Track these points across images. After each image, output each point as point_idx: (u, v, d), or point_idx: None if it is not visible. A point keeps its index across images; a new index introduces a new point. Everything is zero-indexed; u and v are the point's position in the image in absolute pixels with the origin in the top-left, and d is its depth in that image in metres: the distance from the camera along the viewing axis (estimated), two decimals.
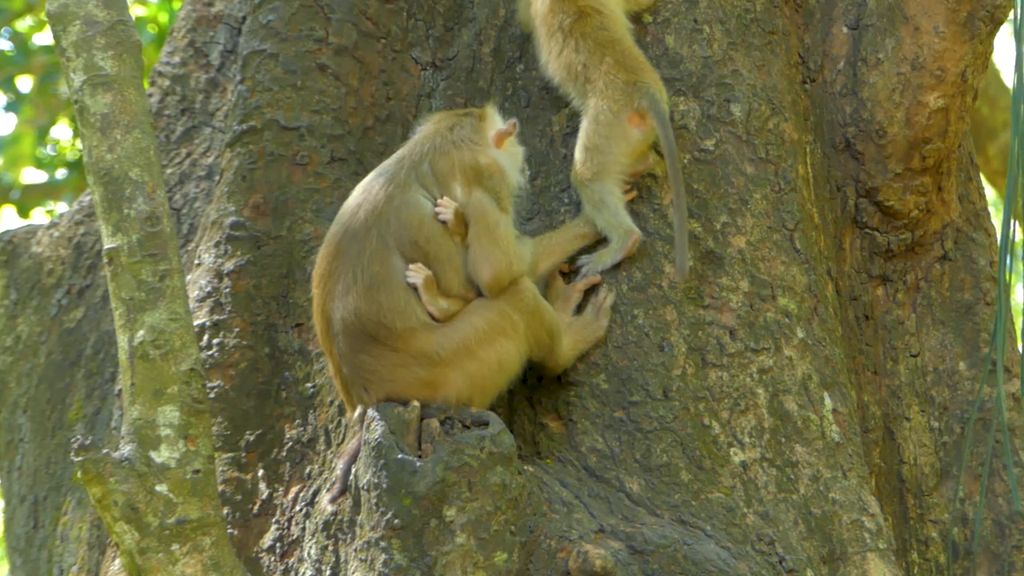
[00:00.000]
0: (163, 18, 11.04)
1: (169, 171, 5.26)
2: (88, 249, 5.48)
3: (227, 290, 4.44)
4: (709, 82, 4.35)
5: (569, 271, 4.24)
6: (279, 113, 4.59)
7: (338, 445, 4.21)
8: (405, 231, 3.95)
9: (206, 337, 4.39)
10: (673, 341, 4.13)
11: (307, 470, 4.27)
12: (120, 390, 4.68)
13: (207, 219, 4.60)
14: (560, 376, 4.15)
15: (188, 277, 4.50)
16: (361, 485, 3.79)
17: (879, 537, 4.06)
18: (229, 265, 4.46)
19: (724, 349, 4.13)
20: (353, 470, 3.86)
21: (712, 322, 4.15)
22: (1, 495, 5.59)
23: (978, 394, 4.55)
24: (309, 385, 4.35)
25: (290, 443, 4.31)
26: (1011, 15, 4.61)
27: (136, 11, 11.12)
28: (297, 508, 4.24)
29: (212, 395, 4.31)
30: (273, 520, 4.26)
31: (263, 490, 4.29)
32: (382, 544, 3.72)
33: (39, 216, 11.54)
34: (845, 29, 4.61)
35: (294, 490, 4.26)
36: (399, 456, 3.73)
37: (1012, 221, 4.63)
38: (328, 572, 4.07)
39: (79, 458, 3.68)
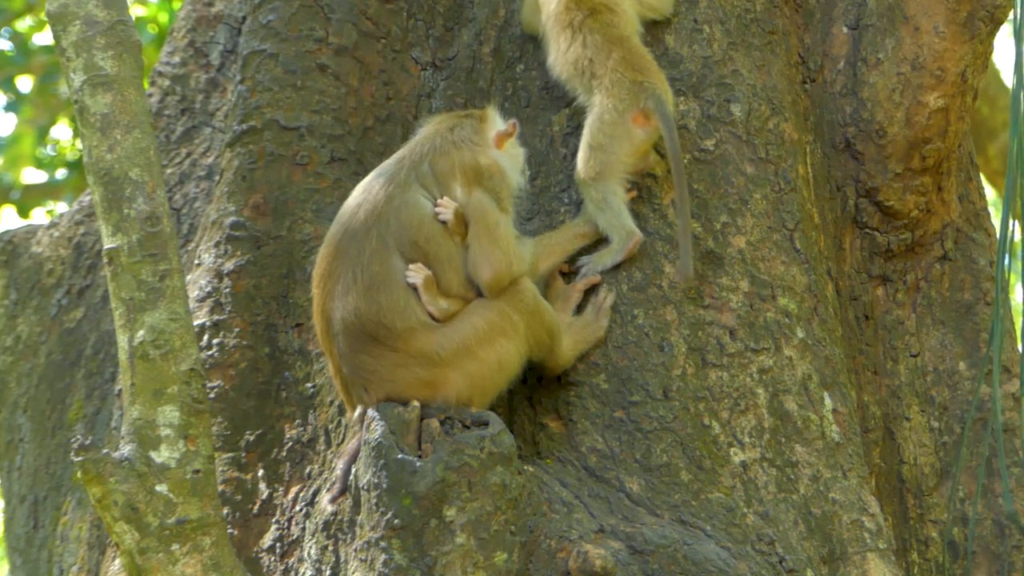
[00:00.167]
0: (163, 18, 11.04)
1: (169, 171, 5.26)
2: (88, 249, 5.48)
3: (227, 290, 4.44)
4: (709, 82, 4.35)
5: (569, 271, 4.24)
6: (279, 113, 4.59)
7: (338, 445, 4.21)
8: (405, 231, 3.95)
9: (206, 337, 4.39)
10: (673, 341, 4.13)
11: (307, 470, 4.27)
12: (120, 390, 4.68)
13: (207, 219, 4.60)
14: (560, 376, 4.15)
15: (188, 277, 4.50)
16: (361, 485, 3.79)
17: (879, 537, 4.06)
18: (229, 265, 4.46)
19: (724, 349, 4.13)
20: (353, 470, 3.86)
21: (712, 322, 4.15)
22: (1, 495, 5.59)
23: (976, 394, 4.55)
24: (309, 385, 4.35)
25: (290, 443, 4.31)
26: (1011, 15, 4.61)
27: (136, 11, 11.12)
28: (297, 508, 4.24)
29: (212, 395, 4.31)
30: (273, 520, 4.26)
31: (263, 490, 4.29)
32: (382, 544, 3.72)
33: (39, 216, 11.54)
34: (845, 29, 4.61)
35: (294, 490, 4.26)
36: (399, 456, 3.73)
37: (1011, 221, 4.63)
38: (328, 572, 4.07)
39: (79, 458, 3.68)
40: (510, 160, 4.17)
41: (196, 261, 4.55)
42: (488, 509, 3.72)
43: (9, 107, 11.43)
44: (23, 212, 11.29)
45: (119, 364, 3.86)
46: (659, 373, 4.10)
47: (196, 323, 4.37)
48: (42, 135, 11.43)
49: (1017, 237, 4.79)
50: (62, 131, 11.75)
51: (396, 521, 3.70)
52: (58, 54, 3.89)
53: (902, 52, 4.49)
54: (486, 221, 3.97)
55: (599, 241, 4.22)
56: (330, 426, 4.26)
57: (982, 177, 5.09)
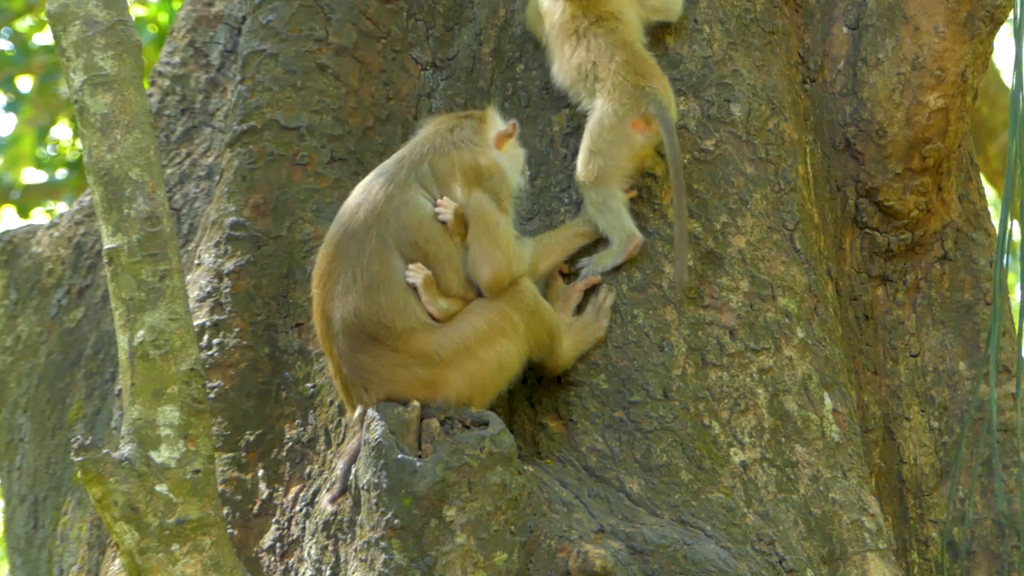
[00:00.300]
0: (163, 18, 11.04)
1: (169, 171, 5.26)
2: (88, 249, 5.48)
3: (227, 290, 4.44)
4: (709, 82, 4.35)
5: (569, 272, 4.24)
6: (279, 113, 4.59)
7: (338, 445, 4.21)
8: (405, 231, 3.95)
9: (206, 337, 4.39)
10: (673, 341, 4.13)
11: (307, 470, 4.27)
12: (120, 390, 4.68)
13: (207, 219, 4.60)
14: (560, 376, 4.15)
15: (188, 277, 4.50)
16: (361, 485, 3.79)
17: (879, 537, 4.06)
18: (229, 265, 4.46)
19: (724, 349, 4.13)
20: (353, 470, 3.86)
21: (712, 322, 4.15)
22: (1, 495, 5.59)
23: (975, 394, 4.55)
24: (309, 385, 4.35)
25: (290, 443, 4.31)
26: (1011, 15, 4.61)
27: (136, 11, 11.12)
28: (297, 508, 4.24)
29: (212, 395, 4.31)
30: (273, 520, 4.26)
31: (263, 490, 4.29)
32: (382, 544, 3.72)
33: (39, 216, 11.53)
34: (845, 29, 4.61)
35: (294, 490, 4.26)
36: (399, 456, 3.73)
37: (1010, 221, 4.64)
38: (328, 572, 4.07)
39: (79, 458, 3.68)
40: (510, 161, 4.17)
41: (196, 261, 4.55)
42: (488, 509, 3.72)
43: (9, 107, 11.43)
44: (23, 212, 11.29)
45: (119, 364, 3.86)
46: (659, 373, 4.10)
47: (196, 323, 4.37)
48: (42, 135, 11.43)
49: (1016, 237, 4.79)
50: (62, 131, 11.76)
51: (396, 521, 3.70)
52: (58, 54, 3.89)
53: (902, 52, 4.49)
54: (486, 221, 3.97)
55: (599, 242, 4.22)
56: (330, 426, 4.26)
57: (982, 177, 5.09)
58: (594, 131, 4.17)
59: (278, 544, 4.23)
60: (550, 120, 4.44)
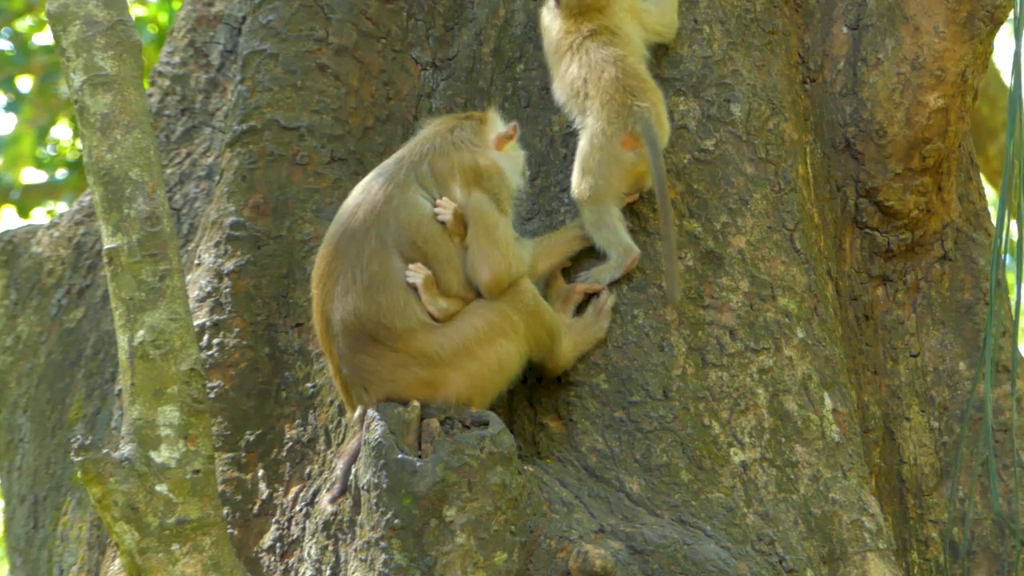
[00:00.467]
0: (163, 18, 11.04)
1: (169, 171, 5.26)
2: (88, 249, 5.48)
3: (227, 290, 4.44)
4: (709, 82, 4.35)
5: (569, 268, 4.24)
6: (279, 113, 4.59)
7: (338, 445, 4.21)
8: (404, 231, 3.95)
9: (206, 337, 4.39)
10: (673, 341, 4.13)
11: (307, 470, 4.27)
12: (120, 390, 4.68)
13: (207, 219, 4.60)
14: (560, 376, 4.15)
15: (188, 277, 4.50)
16: (361, 485, 3.79)
17: (879, 537, 4.06)
18: (229, 265, 4.46)
19: (724, 349, 4.13)
20: (353, 470, 3.86)
21: (712, 322, 4.15)
22: (1, 495, 5.59)
23: (974, 394, 4.55)
24: (309, 385, 4.35)
25: (290, 443, 4.31)
26: (1011, 15, 4.61)
27: (136, 11, 11.12)
28: (297, 508, 4.24)
29: (212, 395, 4.31)
30: (273, 520, 4.26)
31: (263, 490, 4.29)
32: (382, 544, 3.72)
33: (39, 216, 11.53)
34: (845, 29, 4.61)
35: (294, 490, 4.26)
36: (399, 456, 3.73)
37: (1007, 220, 4.64)
38: (328, 572, 4.07)
39: (79, 458, 3.68)
40: (510, 162, 4.16)
41: (196, 261, 4.55)
42: (488, 509, 3.72)
43: (9, 107, 11.43)
44: (23, 212, 11.29)
45: (119, 364, 3.86)
46: (659, 373, 4.10)
47: (196, 323, 4.37)
48: (42, 135, 11.43)
49: (1015, 237, 4.79)
50: (62, 131, 11.76)
51: (396, 521, 3.70)
52: (58, 54, 3.89)
53: (902, 52, 4.49)
54: (485, 222, 3.97)
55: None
56: (330, 426, 4.26)
57: (982, 177, 5.09)
58: (584, 151, 4.14)
59: (278, 544, 4.23)
60: (550, 120, 4.44)
